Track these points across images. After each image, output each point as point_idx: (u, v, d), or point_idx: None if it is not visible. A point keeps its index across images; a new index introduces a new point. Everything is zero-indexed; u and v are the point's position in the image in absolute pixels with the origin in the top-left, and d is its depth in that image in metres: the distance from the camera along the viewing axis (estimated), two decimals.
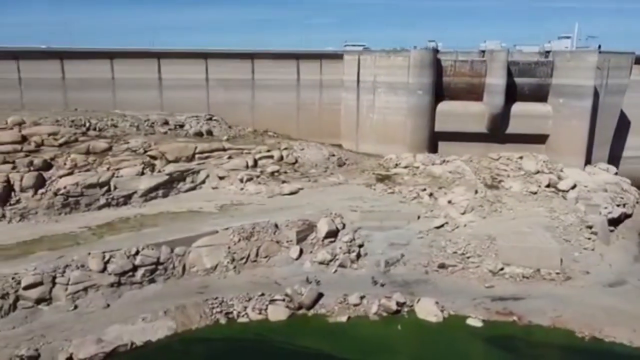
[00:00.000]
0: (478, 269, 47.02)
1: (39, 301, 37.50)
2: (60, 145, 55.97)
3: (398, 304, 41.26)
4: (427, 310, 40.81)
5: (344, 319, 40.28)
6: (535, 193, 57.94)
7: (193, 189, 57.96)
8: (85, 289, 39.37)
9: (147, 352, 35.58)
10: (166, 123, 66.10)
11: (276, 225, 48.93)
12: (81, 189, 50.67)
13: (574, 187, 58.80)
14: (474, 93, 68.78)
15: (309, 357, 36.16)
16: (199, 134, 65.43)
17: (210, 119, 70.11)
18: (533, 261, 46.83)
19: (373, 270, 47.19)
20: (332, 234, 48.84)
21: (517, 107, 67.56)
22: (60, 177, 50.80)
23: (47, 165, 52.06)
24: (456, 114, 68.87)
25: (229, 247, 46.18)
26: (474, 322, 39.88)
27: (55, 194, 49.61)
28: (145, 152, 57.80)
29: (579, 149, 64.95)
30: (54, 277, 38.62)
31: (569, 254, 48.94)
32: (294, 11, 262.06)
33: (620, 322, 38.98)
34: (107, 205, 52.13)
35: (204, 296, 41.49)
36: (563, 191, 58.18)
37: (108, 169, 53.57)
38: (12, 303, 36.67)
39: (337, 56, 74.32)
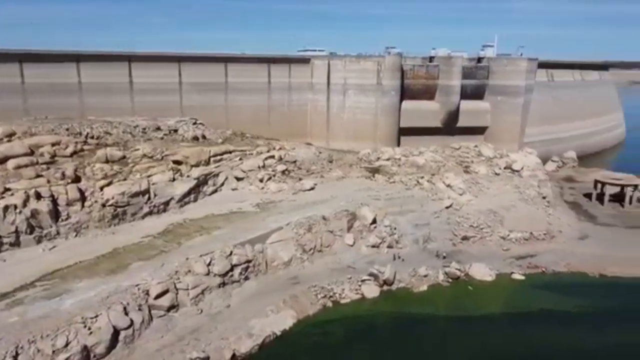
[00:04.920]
0: (492, 236, 57.46)
1: (169, 309, 37.29)
2: (71, 155, 52.31)
3: (458, 270, 49.39)
4: (482, 273, 49.63)
5: (424, 288, 47.12)
6: (498, 174, 70.61)
7: (215, 191, 58.62)
8: (202, 292, 39.97)
9: (290, 339, 38.22)
10: (158, 129, 64.38)
11: (324, 218, 53.21)
12: (127, 199, 48.77)
13: (522, 168, 72.92)
14: (428, 93, 79.87)
15: (422, 321, 42.10)
16: (195, 138, 65.12)
17: (195, 123, 69.66)
18: (527, 226, 58.78)
19: (414, 248, 54.49)
20: (374, 221, 54.82)
21: (464, 105, 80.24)
22: (101, 188, 48.16)
23: (77, 177, 48.77)
24: (417, 111, 79.09)
25: (296, 240, 49.38)
26: (518, 276, 49.87)
27: (104, 205, 47.13)
28: (163, 158, 56.71)
29: (515, 137, 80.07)
30: (175, 284, 38.55)
31: (544, 219, 62.10)
32: (121, 7, 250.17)
33: (612, 263, 52.32)
34: (150, 213, 50.87)
35: (301, 286, 44.66)
36: (517, 171, 71.78)
37: (141, 176, 51.93)
38: (148, 314, 36.07)
39: (304, 60, 79.16)
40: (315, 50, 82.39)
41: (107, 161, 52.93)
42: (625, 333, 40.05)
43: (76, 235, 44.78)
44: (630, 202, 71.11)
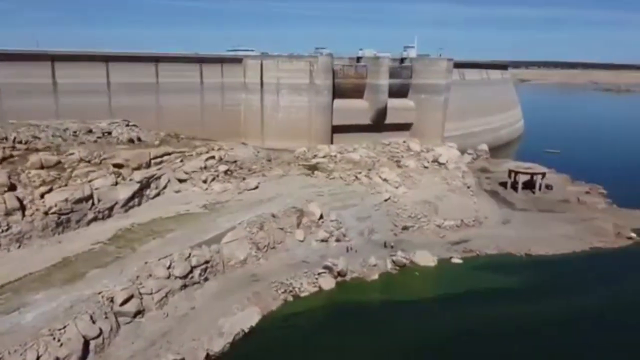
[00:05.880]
0: (429, 225, 61.65)
1: (136, 314, 36.57)
2: (0, 161, 48.98)
3: (404, 258, 52.68)
4: (426, 259, 53.31)
5: (376, 277, 49.84)
6: (427, 167, 75.49)
7: (158, 194, 57.37)
8: (166, 295, 39.54)
9: (259, 334, 39.07)
10: (90, 131, 61.55)
11: (273, 215, 54.21)
12: (71, 205, 46.52)
13: (447, 160, 78.43)
14: (358, 92, 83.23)
15: (377, 307, 44.77)
16: (131, 141, 63.01)
17: (129, 124, 67.25)
18: (458, 214, 63.75)
19: (360, 240, 57.09)
20: (321, 216, 56.67)
21: (391, 103, 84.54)
22: (42, 195, 45.57)
23: (12, 185, 45.72)
24: (348, 109, 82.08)
25: (250, 239, 49.97)
26: (457, 260, 54.20)
27: (46, 214, 44.64)
28: (101, 162, 54.54)
29: (438, 133, 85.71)
30: (139, 290, 37.84)
31: (472, 207, 67.58)
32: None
33: (534, 243, 58.38)
34: (95, 219, 48.85)
35: (261, 283, 45.44)
36: (443, 164, 77.13)
37: (82, 181, 49.69)
38: (115, 321, 35.20)
39: (237, 60, 79.11)
40: (246, 50, 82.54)
41: (42, 167, 50.05)
42: (554, 304, 45.29)
43: (19, 247, 42.11)
44: (540, 189, 79.29)
